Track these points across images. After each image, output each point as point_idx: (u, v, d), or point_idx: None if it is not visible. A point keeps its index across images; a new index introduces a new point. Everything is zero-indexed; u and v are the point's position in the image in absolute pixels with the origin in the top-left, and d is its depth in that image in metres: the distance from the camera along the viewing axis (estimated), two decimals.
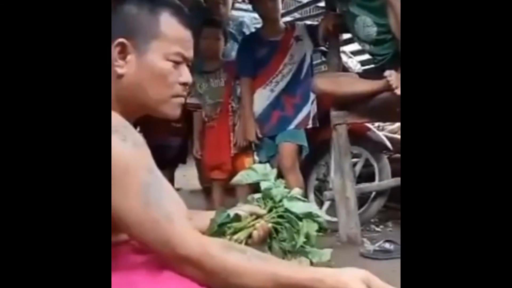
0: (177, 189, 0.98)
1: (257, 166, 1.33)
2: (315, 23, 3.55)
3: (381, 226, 3.32)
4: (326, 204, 3.31)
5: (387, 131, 4.37)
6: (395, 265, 2.50)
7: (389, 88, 2.47)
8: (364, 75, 2.93)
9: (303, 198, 1.42)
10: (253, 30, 3.65)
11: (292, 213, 1.37)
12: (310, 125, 3.20)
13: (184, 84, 1.06)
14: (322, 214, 3.30)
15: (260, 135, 3.16)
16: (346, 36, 3.69)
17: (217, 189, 3.35)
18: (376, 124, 4.56)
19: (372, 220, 3.37)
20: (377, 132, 3.54)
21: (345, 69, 3.56)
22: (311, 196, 3.46)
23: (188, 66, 1.08)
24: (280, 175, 1.95)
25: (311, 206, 1.42)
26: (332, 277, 0.91)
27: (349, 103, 2.81)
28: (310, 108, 3.20)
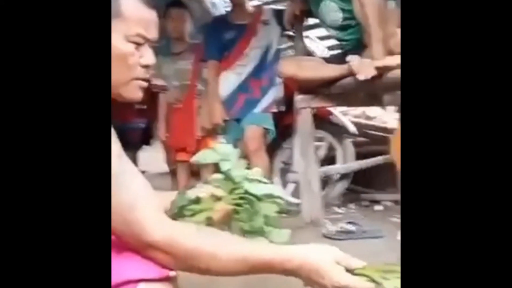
0: (142, 172, 0.97)
1: (217, 146, 1.31)
2: (283, 7, 3.54)
3: (344, 208, 3.38)
4: (291, 186, 3.35)
5: (351, 116, 4.44)
6: (357, 246, 2.58)
7: (352, 73, 2.48)
8: (329, 60, 2.93)
9: (264, 180, 1.43)
10: (224, 12, 3.62)
11: (251, 194, 1.38)
12: (276, 109, 3.21)
13: (145, 66, 1.01)
14: (286, 196, 3.35)
15: (226, 118, 3.16)
16: (314, 21, 3.71)
17: (182, 171, 3.34)
18: (341, 109, 4.63)
19: (335, 202, 3.43)
20: (341, 116, 3.58)
21: (312, 54, 3.58)
22: (277, 178, 3.48)
23: (152, 47, 1.05)
24: (246, 158, 1.96)
25: (272, 188, 1.43)
26: (302, 255, 0.91)
27: (314, 87, 2.82)
28: (276, 92, 3.21)
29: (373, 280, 0.87)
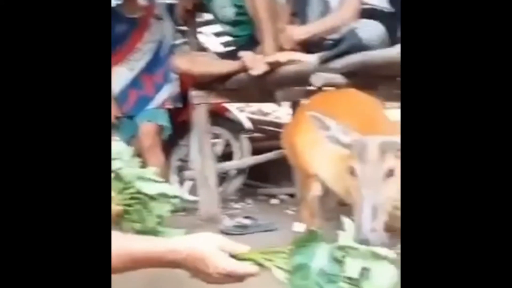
0: None
1: None
2: (175, 1, 3.46)
3: (241, 203, 3.39)
4: (188, 183, 3.29)
5: (247, 112, 4.48)
6: (253, 239, 2.60)
7: (245, 68, 2.49)
8: (222, 55, 2.93)
9: (158, 179, 1.37)
10: (114, 5, 3.44)
11: (144, 194, 1.32)
12: (171, 105, 3.13)
13: None
14: (183, 194, 3.28)
15: (118, 115, 3.02)
16: (209, 17, 3.68)
17: None
18: (237, 105, 4.65)
19: (232, 198, 3.43)
20: (237, 112, 3.59)
21: (206, 49, 3.54)
22: (173, 176, 3.41)
23: None
24: (141, 156, 1.87)
25: (166, 187, 1.38)
26: (187, 245, 0.89)
27: (208, 83, 2.79)
28: (171, 88, 3.13)
29: (258, 263, 0.87)
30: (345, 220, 0.86)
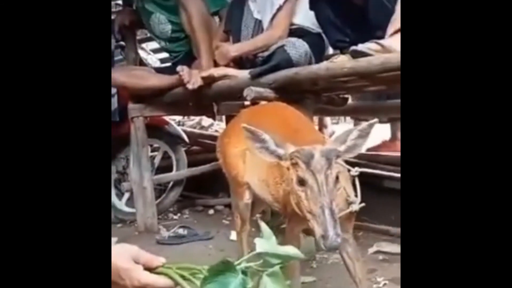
0: None
1: None
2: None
3: (178, 214, 3.34)
4: (126, 195, 3.20)
5: (187, 126, 4.45)
6: (190, 248, 2.57)
7: (181, 83, 2.48)
8: (160, 70, 2.90)
9: None
10: None
11: None
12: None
13: None
14: (120, 206, 3.19)
15: None
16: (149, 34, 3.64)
17: None
18: (177, 119, 4.60)
19: (170, 209, 3.37)
20: (175, 126, 3.55)
21: (145, 65, 3.49)
22: (111, 189, 3.30)
23: None
24: None
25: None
26: None
27: (146, 96, 2.76)
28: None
29: (172, 278, 0.84)
30: (262, 225, 0.85)
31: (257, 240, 0.82)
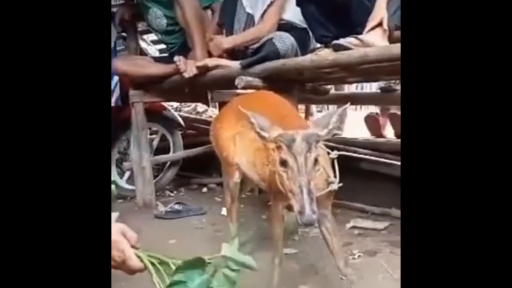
0: None
1: None
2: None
3: (175, 192, 3.34)
4: (126, 174, 3.20)
5: (183, 112, 4.42)
6: (185, 222, 2.57)
7: (178, 71, 2.46)
8: (158, 59, 2.87)
9: None
10: None
11: None
12: (113, 104, 3.02)
13: None
14: (122, 183, 3.17)
15: None
16: None
17: None
18: (175, 105, 4.57)
19: (167, 187, 3.37)
20: (172, 111, 3.53)
21: (145, 54, 3.46)
22: (113, 167, 3.29)
23: None
24: None
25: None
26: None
27: (145, 83, 2.73)
28: (113, 89, 3.02)
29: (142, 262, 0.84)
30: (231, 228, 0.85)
31: (223, 245, 0.83)
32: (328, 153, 1.38)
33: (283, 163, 1.18)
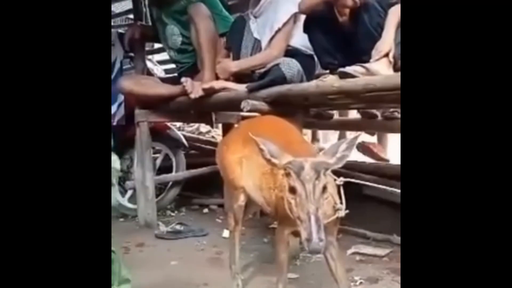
0: None
1: None
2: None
3: (176, 212, 3.33)
4: (129, 192, 3.20)
5: (186, 132, 4.44)
6: (186, 243, 2.57)
7: (185, 92, 2.49)
8: (165, 80, 2.91)
9: None
10: None
11: None
12: (115, 123, 3.06)
13: None
14: (124, 202, 3.17)
15: None
16: (158, 46, 3.66)
17: None
18: (178, 125, 4.60)
19: (168, 207, 3.37)
20: (176, 131, 3.55)
21: (151, 74, 3.50)
22: (116, 186, 3.28)
23: None
24: None
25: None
26: None
27: (151, 103, 2.76)
28: (117, 108, 3.06)
29: None
30: None
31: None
32: (334, 180, 1.40)
33: (292, 190, 1.20)
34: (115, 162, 1.24)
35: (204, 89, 2.41)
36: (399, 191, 2.25)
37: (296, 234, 1.50)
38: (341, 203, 1.37)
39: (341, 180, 1.40)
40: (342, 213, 1.34)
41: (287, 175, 1.22)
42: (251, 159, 1.64)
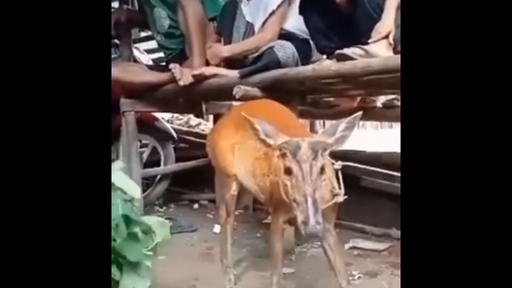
0: None
1: None
2: None
3: (164, 207, 3.27)
4: None
5: (176, 125, 4.37)
6: (176, 239, 2.50)
7: (173, 80, 2.42)
8: (152, 67, 2.84)
9: None
10: None
11: None
12: None
13: None
14: None
15: None
16: (145, 34, 3.59)
17: None
18: (167, 118, 4.53)
19: (156, 202, 3.30)
20: (164, 122, 3.49)
21: (138, 62, 3.43)
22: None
23: None
24: None
25: None
26: None
27: (138, 92, 2.69)
28: None
29: None
30: None
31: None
32: (333, 164, 1.35)
33: (288, 171, 1.15)
34: (132, 188, 1.19)
35: (193, 76, 2.34)
36: (398, 183, 2.22)
37: (292, 222, 1.45)
38: (340, 188, 1.32)
39: (339, 164, 1.35)
40: (340, 198, 1.29)
41: (283, 155, 1.16)
42: (244, 145, 1.58)
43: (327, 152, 1.19)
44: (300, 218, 1.09)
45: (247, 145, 1.55)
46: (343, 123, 1.20)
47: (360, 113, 1.21)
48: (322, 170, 1.14)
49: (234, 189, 1.73)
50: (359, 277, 1.94)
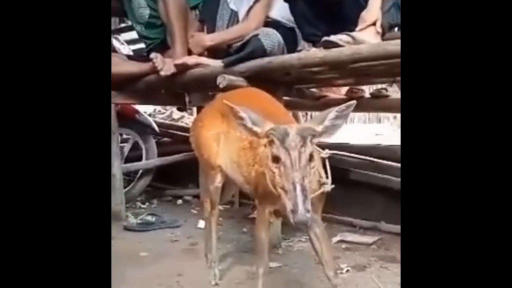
0: None
1: None
2: None
3: (147, 203, 3.27)
4: None
5: (158, 118, 4.36)
6: (159, 234, 2.51)
7: (154, 70, 2.41)
8: (132, 58, 2.82)
9: None
10: None
11: None
12: None
13: None
14: None
15: None
16: (125, 25, 3.57)
17: None
18: (149, 111, 4.52)
19: (138, 198, 3.30)
20: (146, 115, 3.47)
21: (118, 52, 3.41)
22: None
23: None
24: None
25: None
26: None
27: (117, 83, 2.66)
28: None
29: None
30: None
31: None
32: (319, 153, 1.36)
33: (275, 159, 1.15)
34: None
35: (176, 65, 2.33)
36: (387, 176, 2.23)
37: (278, 214, 1.47)
38: (327, 177, 1.33)
39: (326, 152, 1.37)
40: (328, 187, 1.31)
41: (270, 143, 1.17)
42: (229, 135, 1.59)
43: (316, 140, 1.20)
44: (288, 206, 1.09)
45: (232, 135, 1.56)
46: (333, 112, 1.20)
47: (354, 102, 1.21)
48: (311, 157, 1.15)
49: (218, 180, 1.74)
50: (347, 270, 1.97)
